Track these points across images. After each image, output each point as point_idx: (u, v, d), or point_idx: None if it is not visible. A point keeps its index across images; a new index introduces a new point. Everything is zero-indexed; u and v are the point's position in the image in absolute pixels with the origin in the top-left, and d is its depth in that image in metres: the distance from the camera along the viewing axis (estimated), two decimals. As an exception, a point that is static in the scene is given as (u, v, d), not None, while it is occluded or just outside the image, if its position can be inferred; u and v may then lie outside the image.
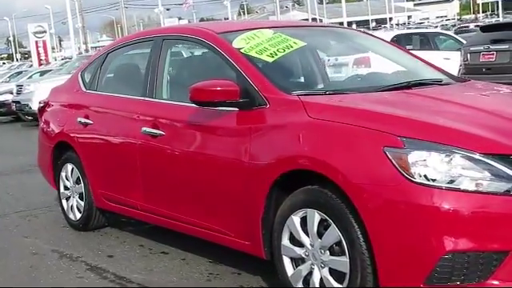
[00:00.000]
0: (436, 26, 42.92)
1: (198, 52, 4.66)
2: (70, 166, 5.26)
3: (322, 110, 3.28)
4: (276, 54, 3.80)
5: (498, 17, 58.64)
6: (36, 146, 5.95)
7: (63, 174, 5.36)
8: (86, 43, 57.21)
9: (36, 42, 38.34)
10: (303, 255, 3.22)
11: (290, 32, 4.17)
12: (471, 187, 2.73)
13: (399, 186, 2.78)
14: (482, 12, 79.16)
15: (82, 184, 5.10)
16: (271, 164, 3.30)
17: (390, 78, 4.13)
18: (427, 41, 15.26)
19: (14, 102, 16.31)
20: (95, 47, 71.72)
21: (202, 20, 75.04)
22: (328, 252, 3.10)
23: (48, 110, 5.67)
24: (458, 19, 73.58)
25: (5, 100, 17.43)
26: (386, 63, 4.50)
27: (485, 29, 11.79)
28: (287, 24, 4.93)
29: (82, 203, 5.14)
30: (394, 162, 2.80)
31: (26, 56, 74.49)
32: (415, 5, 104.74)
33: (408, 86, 3.77)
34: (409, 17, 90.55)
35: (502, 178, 2.73)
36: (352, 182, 2.91)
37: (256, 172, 3.39)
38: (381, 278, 2.89)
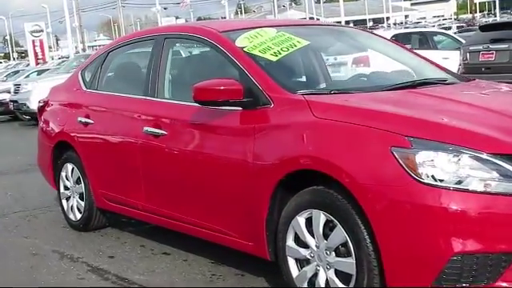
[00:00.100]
0: (433, 26, 42.90)
1: (200, 51, 4.62)
2: (70, 166, 5.21)
3: (328, 109, 3.25)
4: (280, 53, 3.76)
5: (495, 16, 58.74)
6: (34, 146, 5.91)
7: (63, 174, 5.31)
8: (83, 42, 57.04)
9: (33, 41, 38.26)
10: (308, 256, 3.18)
11: (293, 31, 4.13)
12: (479, 188, 2.69)
13: (407, 186, 2.75)
14: (479, 11, 79.26)
15: (83, 184, 5.06)
16: (276, 164, 3.27)
17: (394, 77, 4.09)
18: (426, 40, 15.25)
19: (11, 101, 16.23)
20: (92, 46, 71.66)
21: (199, 19, 75.04)
22: (334, 253, 3.06)
23: (48, 109, 5.62)
24: (455, 19, 73.66)
25: (2, 99, 17.35)
26: (389, 62, 4.46)
27: (484, 28, 11.78)
28: (289, 23, 4.87)
29: (83, 203, 5.10)
30: (401, 162, 2.77)
31: (23, 55, 74.31)
32: (412, 4, 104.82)
33: (413, 85, 3.75)
34: (406, 16, 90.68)
35: (510, 179, 2.69)
36: (358, 183, 2.88)
37: (260, 172, 3.36)
38: (388, 280, 2.86)
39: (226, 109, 3.60)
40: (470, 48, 11.15)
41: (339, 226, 3.01)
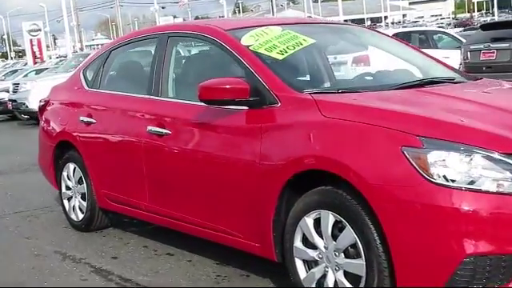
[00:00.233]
0: (431, 25, 42.89)
1: (204, 49, 4.56)
2: (71, 166, 5.16)
3: (336, 108, 3.20)
4: (286, 52, 3.72)
5: (493, 15, 58.76)
6: (34, 145, 5.86)
7: (65, 174, 5.26)
8: (81, 41, 56.98)
9: (30, 41, 38.21)
10: (317, 258, 3.14)
11: (298, 29, 4.09)
12: (492, 188, 2.65)
13: (418, 186, 2.71)
14: (477, 10, 79.31)
15: (85, 184, 5.01)
16: (283, 164, 3.22)
17: (400, 75, 4.04)
18: (426, 39, 15.20)
19: (10, 100, 16.17)
20: (90, 46, 71.58)
21: (196, 18, 74.82)
22: (343, 254, 3.02)
23: (49, 108, 5.57)
24: (453, 18, 73.70)
25: (1, 98, 17.29)
26: (393, 61, 4.41)
27: (485, 27, 11.77)
28: (295, 21, 4.81)
29: (85, 203, 5.05)
30: (412, 162, 2.73)
31: (21, 54, 74.20)
32: (410, 3, 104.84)
33: (421, 84, 3.70)
34: (404, 15, 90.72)
35: None
36: (368, 183, 2.83)
37: (267, 172, 3.31)
38: (399, 282, 2.82)
39: (231, 108, 3.55)
40: (471, 47, 11.14)
41: (348, 226, 2.96)
